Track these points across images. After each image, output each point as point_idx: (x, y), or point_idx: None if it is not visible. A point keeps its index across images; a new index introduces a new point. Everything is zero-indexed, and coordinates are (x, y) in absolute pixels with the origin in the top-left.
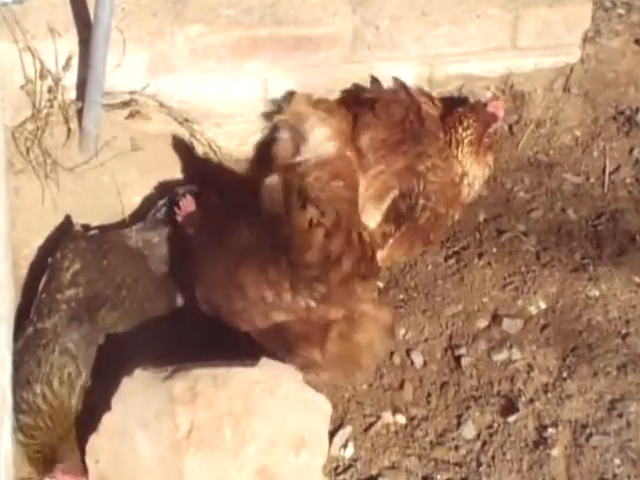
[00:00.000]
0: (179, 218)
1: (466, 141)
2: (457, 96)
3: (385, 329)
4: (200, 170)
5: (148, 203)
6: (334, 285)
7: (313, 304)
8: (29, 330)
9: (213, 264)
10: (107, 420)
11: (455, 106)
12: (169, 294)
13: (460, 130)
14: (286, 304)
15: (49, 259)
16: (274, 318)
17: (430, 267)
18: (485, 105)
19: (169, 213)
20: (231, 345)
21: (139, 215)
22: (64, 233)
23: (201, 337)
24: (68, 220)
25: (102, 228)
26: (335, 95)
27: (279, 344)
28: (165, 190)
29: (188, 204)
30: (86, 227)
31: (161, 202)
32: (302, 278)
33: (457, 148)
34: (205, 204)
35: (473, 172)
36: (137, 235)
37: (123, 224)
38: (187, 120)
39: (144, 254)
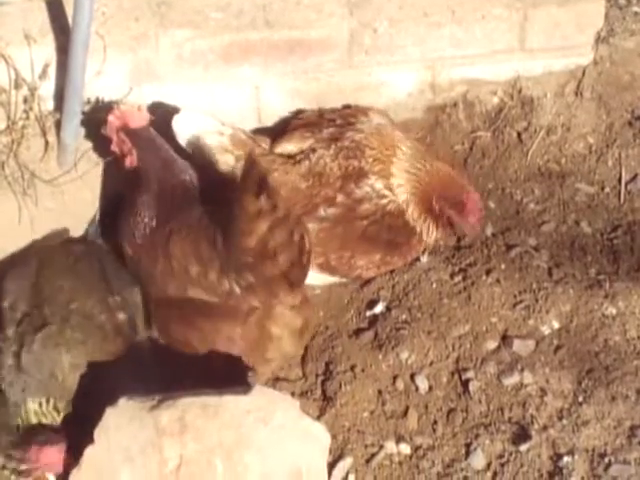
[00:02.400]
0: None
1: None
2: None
3: (294, 332)
4: None
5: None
6: (262, 278)
7: (237, 290)
8: None
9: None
10: (89, 454)
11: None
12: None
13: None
14: (210, 283)
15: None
16: (190, 293)
17: (435, 285)
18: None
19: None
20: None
21: None
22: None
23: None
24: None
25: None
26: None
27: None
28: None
29: None
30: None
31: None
32: (233, 262)
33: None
34: None
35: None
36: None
37: None
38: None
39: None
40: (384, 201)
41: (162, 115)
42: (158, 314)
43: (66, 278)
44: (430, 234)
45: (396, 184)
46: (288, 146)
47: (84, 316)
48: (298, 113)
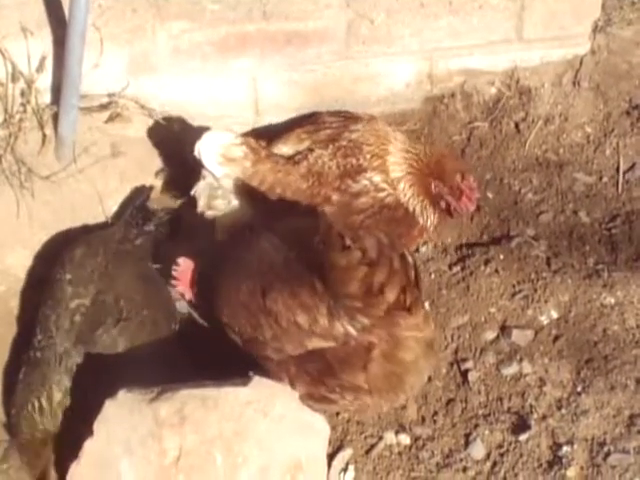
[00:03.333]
0: (180, 289)
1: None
2: None
3: (428, 345)
4: (185, 177)
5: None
6: (377, 317)
7: (353, 332)
8: None
9: (233, 287)
10: (89, 447)
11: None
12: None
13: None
14: (322, 330)
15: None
16: (308, 345)
17: (433, 275)
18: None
19: (134, 215)
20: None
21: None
22: None
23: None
24: None
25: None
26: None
27: (316, 370)
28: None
29: (184, 269)
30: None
31: (129, 204)
32: (341, 306)
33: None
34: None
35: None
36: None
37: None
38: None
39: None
40: (382, 194)
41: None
42: (279, 375)
43: (140, 282)
44: (428, 219)
45: (393, 172)
46: (284, 147)
47: (154, 323)
48: (294, 119)
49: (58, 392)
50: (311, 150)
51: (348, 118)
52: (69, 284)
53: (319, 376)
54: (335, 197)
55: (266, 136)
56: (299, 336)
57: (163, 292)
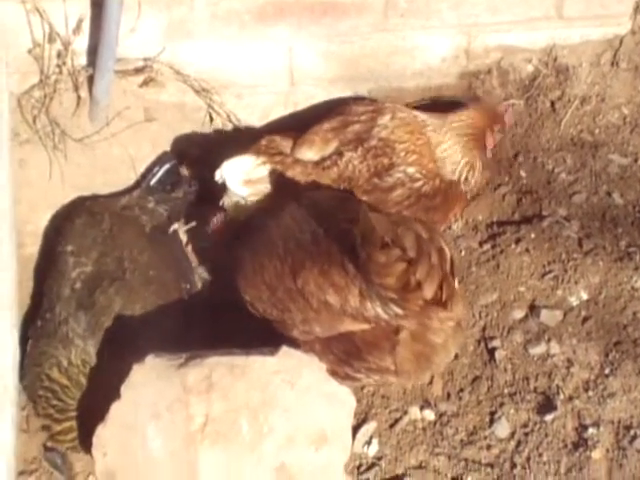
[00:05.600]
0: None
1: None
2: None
3: (459, 325)
4: (217, 144)
5: None
6: (410, 310)
7: (384, 315)
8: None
9: (257, 266)
10: (116, 410)
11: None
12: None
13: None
14: (353, 310)
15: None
16: (340, 328)
17: (464, 252)
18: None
19: (162, 180)
20: (250, 330)
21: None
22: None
23: (217, 320)
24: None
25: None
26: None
27: (342, 352)
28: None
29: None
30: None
31: (155, 169)
32: (374, 291)
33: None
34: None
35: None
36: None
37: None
38: (205, 90)
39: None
40: (418, 184)
41: None
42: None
43: (145, 244)
44: (473, 179)
45: (444, 154)
46: (309, 153)
47: (162, 285)
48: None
49: (54, 367)
50: (340, 154)
51: (375, 109)
52: (71, 255)
53: (346, 357)
54: (365, 198)
55: (292, 125)
56: (330, 318)
57: (175, 254)
